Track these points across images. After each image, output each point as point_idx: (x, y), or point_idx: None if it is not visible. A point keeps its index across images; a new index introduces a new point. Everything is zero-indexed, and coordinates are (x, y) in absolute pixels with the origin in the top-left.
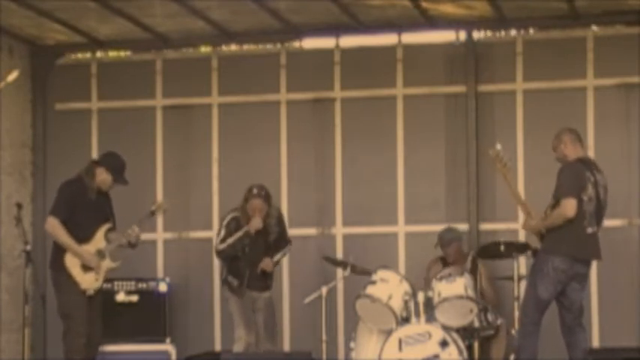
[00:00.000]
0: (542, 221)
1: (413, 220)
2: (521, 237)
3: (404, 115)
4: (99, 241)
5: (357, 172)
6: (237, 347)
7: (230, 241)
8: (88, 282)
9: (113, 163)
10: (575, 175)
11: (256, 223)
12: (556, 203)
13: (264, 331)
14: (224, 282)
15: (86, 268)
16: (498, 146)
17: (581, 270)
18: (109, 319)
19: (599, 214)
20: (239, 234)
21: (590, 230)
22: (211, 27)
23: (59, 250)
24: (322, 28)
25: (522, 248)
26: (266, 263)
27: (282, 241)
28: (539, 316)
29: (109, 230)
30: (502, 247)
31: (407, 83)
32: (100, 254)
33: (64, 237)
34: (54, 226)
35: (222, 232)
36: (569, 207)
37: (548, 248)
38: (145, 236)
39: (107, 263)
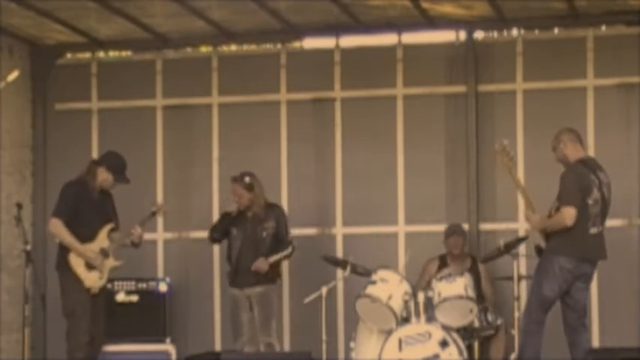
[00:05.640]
0: (543, 220)
1: (413, 220)
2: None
3: (404, 115)
4: (102, 240)
5: (357, 172)
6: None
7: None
8: (92, 280)
9: (113, 162)
10: (580, 181)
11: (229, 206)
12: (559, 207)
13: (259, 325)
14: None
15: (90, 266)
16: (505, 141)
17: (587, 270)
18: (110, 319)
19: (603, 213)
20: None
21: (593, 231)
22: (211, 27)
23: (63, 250)
24: (322, 28)
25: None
26: (259, 263)
27: (279, 242)
28: (542, 315)
29: (112, 230)
30: (502, 246)
31: (407, 83)
32: (104, 253)
33: (67, 237)
34: (57, 227)
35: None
36: (567, 216)
37: (554, 248)
38: (145, 236)
39: (110, 262)
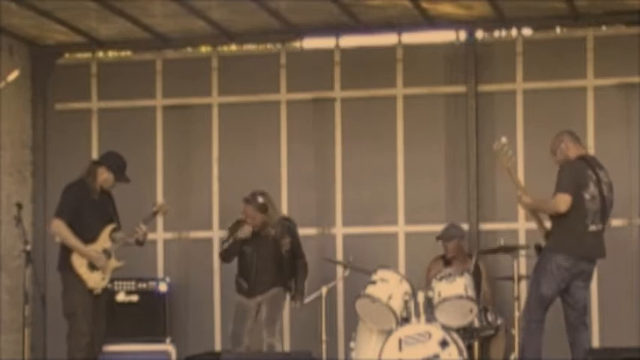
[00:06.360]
0: (535, 200)
1: (413, 220)
2: (522, 237)
3: (404, 115)
4: (104, 241)
5: (357, 172)
6: None
7: (226, 245)
8: (95, 281)
9: (113, 161)
10: (575, 173)
11: (242, 232)
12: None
13: (264, 325)
14: (235, 282)
15: (93, 267)
16: (504, 139)
17: (586, 268)
18: (109, 319)
19: (604, 212)
20: (230, 240)
21: (593, 228)
22: (211, 27)
23: (66, 251)
24: (322, 28)
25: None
26: (297, 306)
27: (295, 258)
28: (542, 313)
29: (114, 230)
30: (502, 247)
31: (407, 83)
32: (106, 253)
33: (70, 238)
34: (60, 227)
35: (226, 234)
36: (561, 202)
37: (552, 246)
38: None
39: (113, 262)
